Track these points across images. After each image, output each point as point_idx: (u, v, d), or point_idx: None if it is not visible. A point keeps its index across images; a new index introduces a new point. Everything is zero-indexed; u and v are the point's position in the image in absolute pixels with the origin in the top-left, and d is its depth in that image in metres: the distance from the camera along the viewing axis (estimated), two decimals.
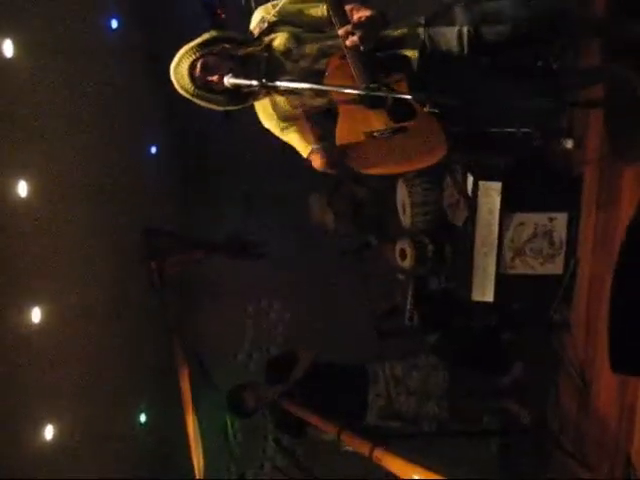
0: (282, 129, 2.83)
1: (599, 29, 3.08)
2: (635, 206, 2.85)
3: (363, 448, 3.50)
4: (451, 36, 2.68)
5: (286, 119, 2.81)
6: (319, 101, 2.74)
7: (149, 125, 5.04)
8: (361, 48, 2.45)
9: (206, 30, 2.73)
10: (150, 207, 4.75)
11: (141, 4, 4.68)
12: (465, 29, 2.66)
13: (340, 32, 2.43)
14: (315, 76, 2.64)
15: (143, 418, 4.58)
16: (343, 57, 2.54)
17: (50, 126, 3.50)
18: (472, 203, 3.74)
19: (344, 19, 2.42)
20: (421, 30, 2.68)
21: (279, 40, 2.68)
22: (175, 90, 2.69)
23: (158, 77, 4.63)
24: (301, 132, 2.79)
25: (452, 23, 2.72)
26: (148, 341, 4.54)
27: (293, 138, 2.83)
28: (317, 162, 2.76)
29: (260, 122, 2.90)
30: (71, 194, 3.70)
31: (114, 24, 4.33)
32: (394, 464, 3.31)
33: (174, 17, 4.76)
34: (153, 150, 5.02)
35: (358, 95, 2.58)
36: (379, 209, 4.70)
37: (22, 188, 3.22)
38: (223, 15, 4.72)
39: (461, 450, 4.06)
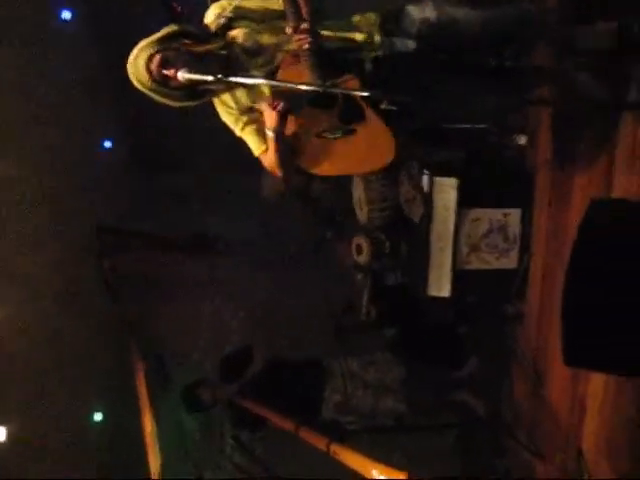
0: (240, 124, 2.80)
1: (553, 32, 3.13)
2: (587, 205, 2.91)
3: (320, 443, 3.51)
4: (408, 31, 2.69)
5: (245, 114, 2.79)
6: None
7: (103, 119, 4.96)
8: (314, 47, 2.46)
9: (162, 23, 2.69)
10: (104, 203, 4.68)
11: None
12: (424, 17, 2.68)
13: (295, 34, 2.43)
14: (272, 73, 2.63)
15: (99, 417, 4.51)
16: (296, 56, 2.54)
17: (3, 120, 3.42)
18: (428, 199, 3.77)
19: (298, 18, 2.42)
20: (374, 22, 2.69)
21: (236, 35, 2.67)
22: (131, 84, 2.65)
23: (113, 70, 4.59)
24: (257, 130, 2.77)
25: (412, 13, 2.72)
26: (104, 340, 4.48)
27: (248, 134, 2.81)
28: (266, 162, 2.77)
29: (218, 116, 2.88)
30: (23, 190, 3.63)
31: (67, 15, 4.24)
32: (352, 459, 3.33)
33: (129, 9, 4.67)
34: (107, 144, 4.95)
35: (309, 94, 2.58)
36: (334, 204, 4.70)
37: None
38: (179, 8, 4.66)
39: (419, 443, 4.11)
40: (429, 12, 2.68)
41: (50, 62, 3.96)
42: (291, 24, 2.46)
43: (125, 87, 2.68)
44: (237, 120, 2.80)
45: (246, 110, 2.78)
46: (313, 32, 2.45)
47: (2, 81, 3.45)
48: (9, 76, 3.51)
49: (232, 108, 2.79)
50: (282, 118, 2.57)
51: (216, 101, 2.80)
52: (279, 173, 2.77)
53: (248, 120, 2.79)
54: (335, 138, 2.65)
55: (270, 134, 2.63)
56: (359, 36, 2.71)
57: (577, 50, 3.09)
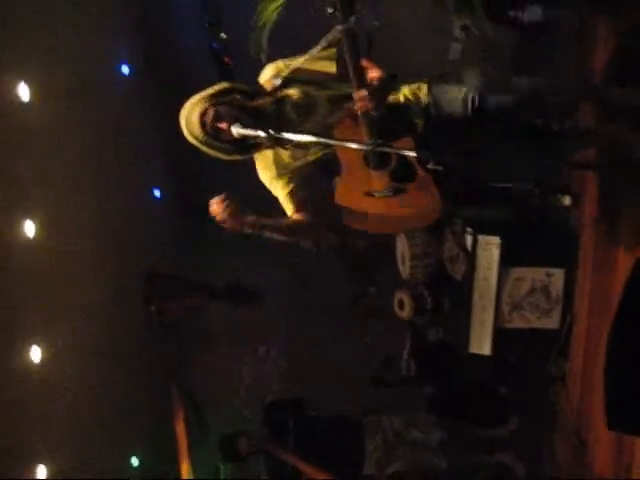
0: (275, 181, 2.85)
1: (596, 95, 3.18)
2: (633, 264, 2.89)
3: None
4: (454, 98, 2.76)
5: (284, 174, 2.85)
6: (322, 159, 2.81)
7: (153, 168, 5.11)
8: (373, 113, 2.53)
9: (214, 79, 2.80)
10: (152, 250, 4.79)
11: (152, 52, 4.79)
12: (470, 96, 2.75)
13: (357, 97, 2.49)
14: (323, 133, 2.68)
15: (136, 462, 4.53)
16: (353, 117, 2.61)
17: (59, 168, 3.57)
18: (471, 257, 3.79)
19: (362, 82, 2.48)
20: (424, 93, 2.76)
21: (289, 95, 2.75)
22: (181, 136, 2.74)
23: (165, 123, 4.76)
24: (294, 191, 2.83)
25: (459, 82, 2.80)
26: (144, 384, 4.52)
27: (281, 194, 2.86)
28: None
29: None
30: (76, 235, 3.74)
31: (125, 70, 4.42)
32: None
33: (183, 64, 4.86)
34: (157, 194, 5.08)
35: (364, 154, 2.65)
36: (377, 258, 4.74)
37: (29, 228, 3.26)
38: (231, 63, 4.82)
39: None
40: (471, 91, 2.75)
41: (108, 114, 4.11)
42: (355, 88, 2.52)
43: (175, 138, 2.77)
44: (273, 176, 2.86)
45: (285, 169, 2.84)
46: (378, 96, 2.51)
47: (63, 131, 3.59)
48: (70, 126, 3.66)
49: (271, 163, 2.85)
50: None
51: (257, 155, 2.87)
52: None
53: (284, 183, 2.84)
54: (385, 196, 2.70)
55: None
56: (412, 102, 2.79)
57: (622, 111, 3.12)
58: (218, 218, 2.57)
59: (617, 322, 2.57)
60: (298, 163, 2.82)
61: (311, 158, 2.83)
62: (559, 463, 3.81)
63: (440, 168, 2.47)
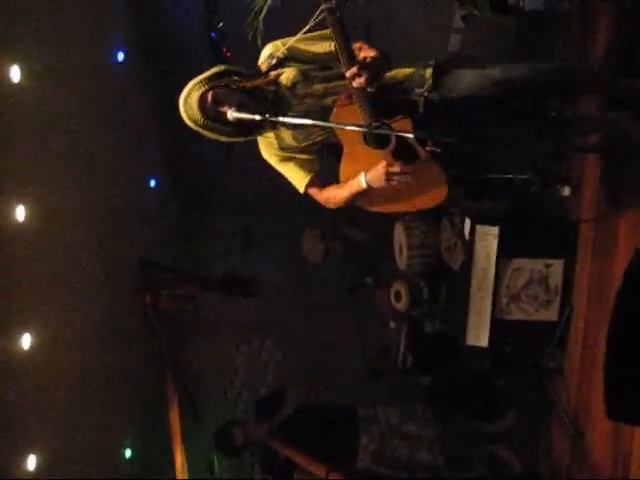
0: (281, 160, 2.83)
1: (598, 82, 3.14)
2: (631, 254, 2.87)
3: None
4: (458, 83, 2.72)
5: (286, 151, 2.82)
6: (324, 137, 2.77)
7: (149, 157, 5.07)
8: (368, 89, 2.49)
9: (210, 64, 2.77)
10: (147, 239, 4.75)
11: (147, 38, 4.74)
12: (473, 80, 2.71)
13: (347, 73, 2.46)
14: (320, 113, 2.66)
15: (128, 453, 4.50)
16: (349, 97, 2.58)
17: (50, 152, 3.51)
18: (469, 247, 3.75)
19: (351, 59, 2.45)
20: (429, 72, 2.72)
21: (286, 75, 2.71)
22: (177, 123, 2.71)
23: (161, 111, 4.72)
24: (299, 166, 2.81)
25: (462, 66, 2.76)
26: (138, 374, 4.49)
27: (290, 171, 2.84)
28: (321, 198, 2.83)
29: (261, 156, 2.92)
30: (68, 221, 3.69)
31: (120, 56, 4.37)
32: None
33: (179, 52, 4.82)
34: (152, 183, 5.04)
35: (363, 135, 2.61)
36: (375, 251, 4.71)
37: (20, 213, 3.21)
38: (229, 54, 4.78)
39: None
40: (475, 77, 2.72)
41: (102, 100, 4.06)
42: (344, 65, 2.49)
43: (170, 126, 2.74)
44: (277, 155, 2.83)
45: (287, 148, 2.81)
46: (370, 72, 2.48)
47: (55, 115, 3.54)
48: (62, 110, 3.61)
49: (274, 143, 2.82)
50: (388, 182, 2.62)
51: (259, 137, 2.84)
52: (337, 206, 2.82)
53: (288, 156, 2.82)
54: None
55: (364, 185, 2.68)
56: (412, 83, 2.75)
57: (624, 99, 3.09)
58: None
59: (616, 313, 2.55)
60: (300, 144, 2.79)
61: (313, 137, 2.79)
62: (555, 455, 3.78)
63: (438, 150, 2.44)
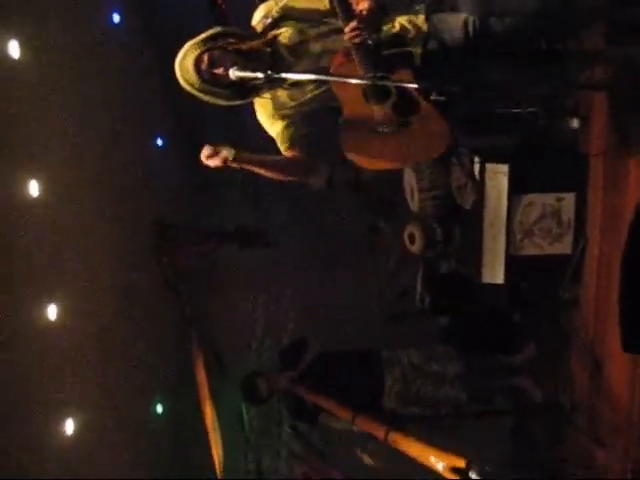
0: (274, 120, 2.84)
1: (601, 12, 3.08)
2: None
3: (378, 432, 3.54)
4: (455, 25, 2.68)
5: (280, 110, 2.82)
6: (319, 94, 2.76)
7: (155, 117, 5.06)
8: (368, 42, 2.47)
9: (208, 23, 2.75)
10: (159, 199, 4.78)
11: None
12: (471, 19, 2.67)
13: (346, 29, 2.43)
14: (319, 72, 2.64)
15: (160, 409, 4.64)
16: (347, 53, 2.55)
17: (57, 124, 3.53)
18: (480, 186, 3.75)
19: (349, 14, 2.42)
20: (422, 20, 2.69)
21: (283, 35, 2.69)
22: (178, 84, 2.70)
23: (162, 70, 4.68)
24: (288, 129, 2.81)
25: (455, 9, 2.72)
26: (163, 333, 4.59)
27: (278, 130, 2.84)
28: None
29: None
30: (81, 191, 3.73)
31: (116, 18, 4.33)
32: (410, 447, 3.34)
33: (175, 8, 4.75)
34: (159, 142, 5.04)
35: (362, 90, 2.59)
36: (386, 193, 4.71)
37: (33, 188, 3.25)
38: (224, 5, 4.72)
39: (475, 430, 4.10)
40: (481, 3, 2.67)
41: (103, 65, 4.05)
42: (342, 21, 2.46)
43: (173, 86, 2.73)
44: (270, 113, 2.83)
45: (282, 109, 2.81)
46: (368, 25, 2.44)
47: (59, 86, 3.54)
48: (65, 80, 3.60)
49: (269, 104, 2.82)
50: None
51: (256, 100, 2.84)
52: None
53: (280, 122, 2.83)
54: (392, 132, 2.65)
55: None
56: (408, 32, 2.72)
57: (631, 30, 3.03)
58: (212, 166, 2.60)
59: (629, 247, 2.56)
60: (296, 102, 2.78)
61: (309, 95, 2.79)
62: (575, 385, 3.86)
63: (442, 98, 2.43)
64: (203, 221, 5.21)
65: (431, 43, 2.69)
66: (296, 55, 2.70)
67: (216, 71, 2.59)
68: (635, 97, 3.07)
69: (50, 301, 3.38)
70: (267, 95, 2.80)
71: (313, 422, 4.15)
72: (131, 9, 4.54)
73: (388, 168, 2.90)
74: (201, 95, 2.68)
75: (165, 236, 4.60)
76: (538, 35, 3.07)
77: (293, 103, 2.78)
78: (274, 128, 2.84)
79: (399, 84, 2.54)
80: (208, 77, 2.61)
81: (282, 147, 2.83)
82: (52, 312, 3.38)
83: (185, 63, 2.61)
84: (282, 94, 2.79)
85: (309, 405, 4.03)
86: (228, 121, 4.80)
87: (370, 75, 2.51)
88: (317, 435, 4.36)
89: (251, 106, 2.90)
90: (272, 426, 4.75)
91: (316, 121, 2.90)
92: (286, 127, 2.81)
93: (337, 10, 2.42)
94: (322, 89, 2.73)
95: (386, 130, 2.65)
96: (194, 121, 5.08)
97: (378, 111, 2.66)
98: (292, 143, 2.81)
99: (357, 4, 2.53)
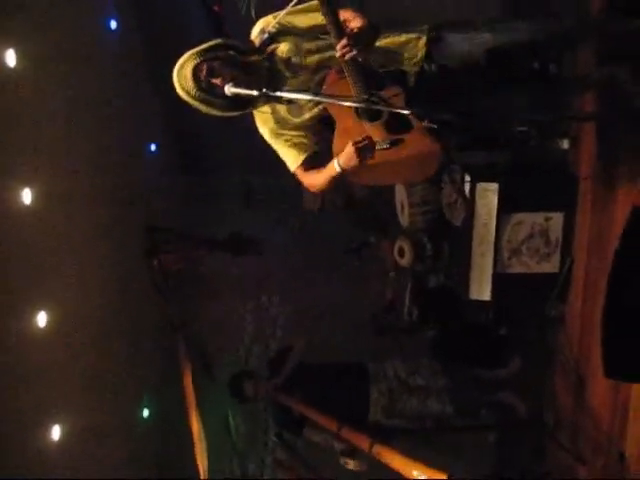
0: (276, 135, 2.84)
1: (595, 34, 3.12)
2: (630, 210, 2.90)
3: (363, 443, 3.58)
4: (456, 47, 2.71)
5: (281, 126, 2.83)
6: (317, 113, 2.78)
7: (148, 123, 5.07)
8: (359, 59, 2.49)
9: (204, 30, 2.76)
10: (151, 205, 4.79)
11: (139, 4, 4.69)
12: (473, 42, 2.70)
13: (337, 47, 2.46)
14: (314, 89, 2.67)
15: (146, 412, 4.66)
16: (340, 71, 2.57)
17: (52, 132, 3.54)
18: (470, 203, 3.79)
19: (340, 32, 2.45)
20: (422, 42, 2.71)
21: (280, 49, 2.71)
22: (174, 90, 2.71)
23: (157, 76, 4.69)
24: (293, 144, 2.82)
25: (459, 31, 2.75)
26: (151, 337, 4.61)
27: (283, 147, 2.85)
28: (306, 180, 2.84)
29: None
30: (74, 197, 3.74)
31: (113, 25, 4.34)
32: (393, 460, 3.39)
33: (171, 15, 4.76)
34: (152, 148, 5.06)
35: (355, 108, 2.61)
36: (377, 208, 4.75)
37: (26, 195, 3.26)
38: (220, 11, 4.72)
39: (459, 444, 4.15)
40: (469, 44, 2.70)
41: (98, 72, 4.06)
42: (333, 38, 2.49)
43: (169, 93, 2.74)
44: (272, 129, 2.84)
45: (282, 122, 2.82)
46: (357, 45, 2.47)
47: (54, 94, 3.55)
48: (60, 88, 3.61)
49: (269, 117, 2.83)
50: (361, 162, 2.59)
51: (256, 113, 2.85)
52: (319, 192, 2.83)
53: (283, 132, 2.83)
54: (382, 149, 2.67)
55: (337, 169, 2.65)
56: (405, 53, 2.74)
57: (621, 56, 3.08)
58: None
59: (614, 271, 2.60)
60: (297, 119, 2.80)
61: (308, 114, 2.80)
62: (559, 401, 3.91)
63: (434, 126, 2.45)
64: (197, 228, 5.23)
65: (428, 65, 2.71)
66: (293, 69, 2.72)
67: (214, 81, 2.61)
68: (622, 123, 3.11)
69: (40, 308, 3.39)
70: (267, 109, 2.81)
71: (298, 433, 4.17)
72: (128, 16, 4.54)
73: (377, 184, 2.90)
74: (197, 104, 2.68)
75: (157, 240, 4.61)
76: (532, 57, 3.11)
77: (293, 119, 2.80)
78: (280, 146, 2.85)
79: (390, 109, 2.54)
80: (205, 86, 2.62)
81: (293, 165, 2.84)
82: (42, 319, 3.39)
83: (184, 71, 2.63)
84: (281, 108, 2.80)
85: (296, 415, 4.06)
86: (223, 131, 4.83)
87: (363, 94, 2.52)
88: (302, 443, 4.40)
89: (250, 116, 2.91)
90: (258, 433, 4.78)
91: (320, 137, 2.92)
92: (293, 145, 2.83)
93: (328, 27, 2.44)
94: (318, 107, 2.75)
95: (377, 147, 2.66)
96: (187, 128, 5.10)
97: (371, 128, 2.68)
98: (302, 163, 2.82)
99: (349, 22, 2.56)
